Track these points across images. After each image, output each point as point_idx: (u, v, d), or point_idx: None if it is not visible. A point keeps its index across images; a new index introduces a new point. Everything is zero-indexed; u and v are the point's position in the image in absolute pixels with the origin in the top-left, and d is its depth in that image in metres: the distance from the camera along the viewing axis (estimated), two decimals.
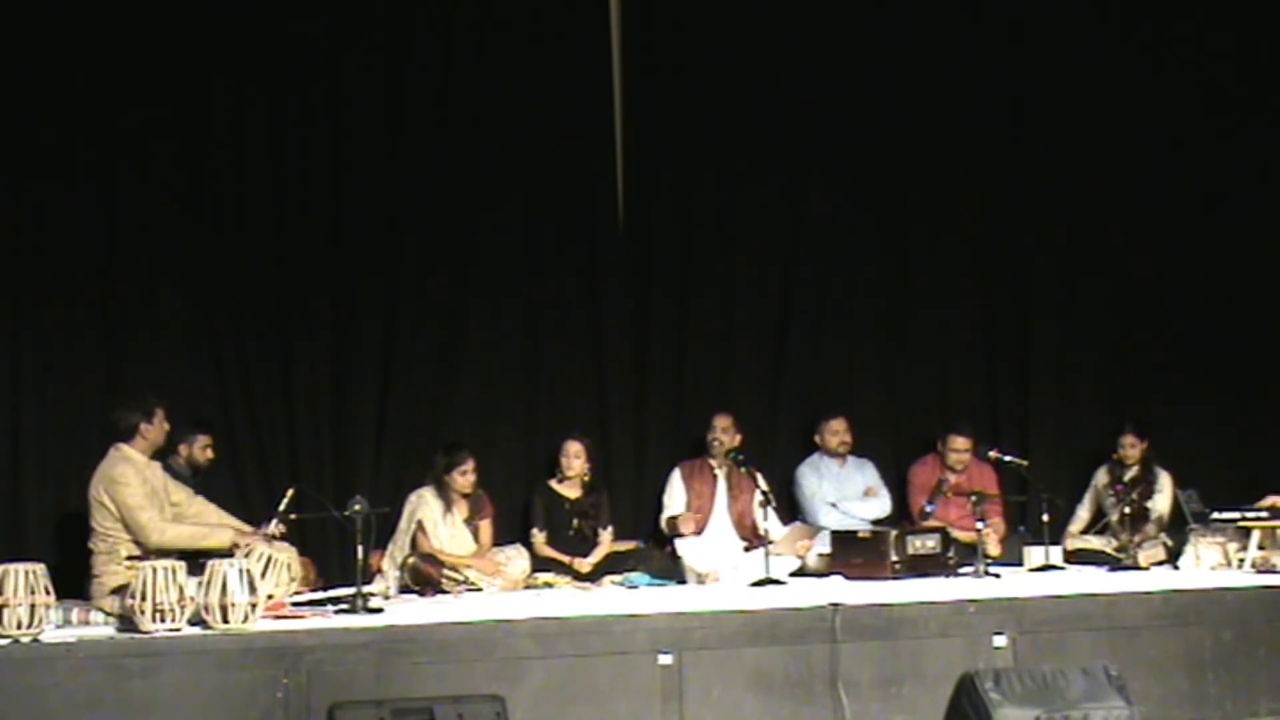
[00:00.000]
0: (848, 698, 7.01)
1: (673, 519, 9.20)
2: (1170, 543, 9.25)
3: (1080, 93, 10.36)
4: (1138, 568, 8.98)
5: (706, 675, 6.93)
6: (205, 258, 8.84)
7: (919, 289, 10.19)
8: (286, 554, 7.43)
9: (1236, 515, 8.70)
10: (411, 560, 8.40)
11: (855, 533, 8.92)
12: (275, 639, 6.55)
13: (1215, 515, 8.78)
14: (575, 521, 9.06)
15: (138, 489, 7.21)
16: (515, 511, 9.18)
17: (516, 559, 8.70)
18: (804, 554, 9.04)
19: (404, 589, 8.35)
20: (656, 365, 9.68)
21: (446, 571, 8.38)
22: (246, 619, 6.56)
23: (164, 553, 7.10)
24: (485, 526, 8.82)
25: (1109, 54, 10.42)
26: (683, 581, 8.84)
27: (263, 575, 6.99)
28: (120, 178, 8.67)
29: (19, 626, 6.30)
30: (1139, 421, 9.77)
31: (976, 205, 10.33)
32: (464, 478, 8.64)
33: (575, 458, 9.06)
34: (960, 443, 9.67)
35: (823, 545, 9.06)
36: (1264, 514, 8.63)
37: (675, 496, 9.30)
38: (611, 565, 8.88)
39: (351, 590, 7.23)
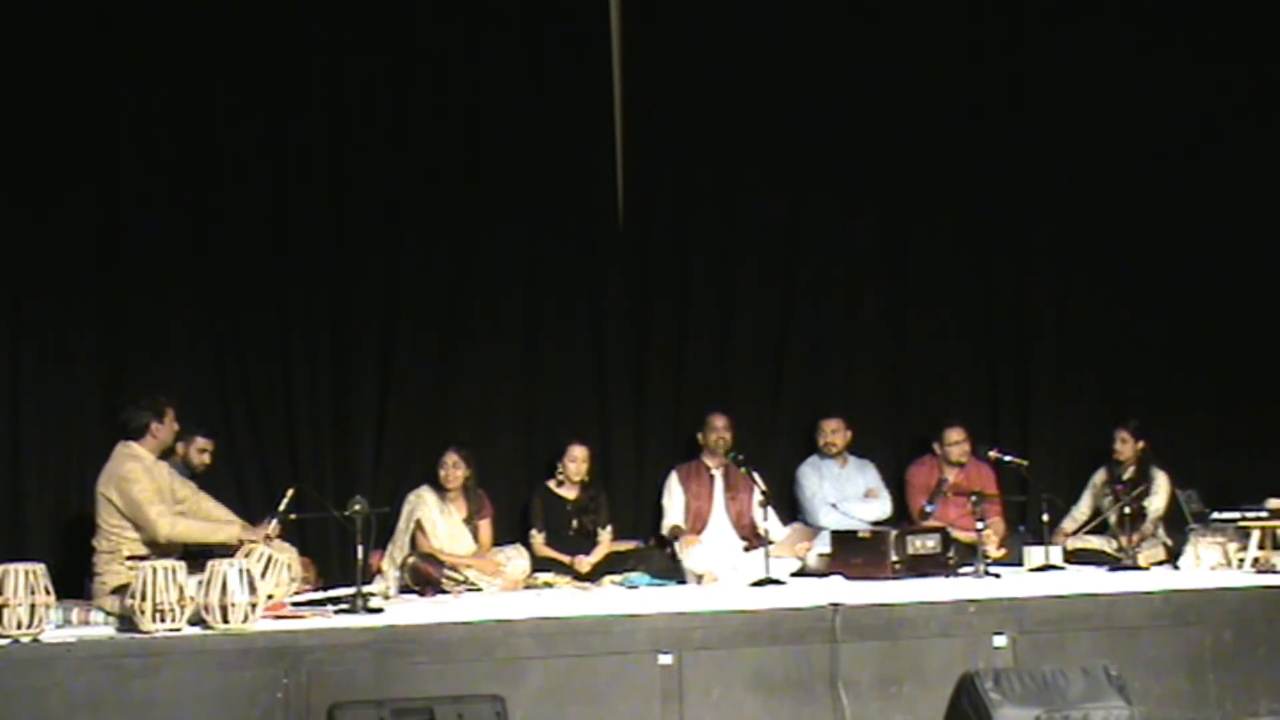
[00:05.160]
0: (848, 698, 7.01)
1: (675, 528, 9.20)
2: (1170, 542, 9.26)
3: (1081, 94, 10.36)
4: (1138, 568, 8.98)
5: (706, 675, 6.93)
6: (205, 258, 8.84)
7: (919, 289, 10.19)
8: (286, 554, 7.43)
9: (1236, 515, 8.70)
10: (411, 560, 8.41)
11: (855, 533, 8.92)
12: (275, 639, 6.56)
13: (1215, 515, 8.78)
14: (575, 522, 9.06)
15: (146, 484, 7.22)
16: (515, 511, 9.19)
17: (516, 559, 8.70)
18: (804, 555, 9.04)
19: (404, 589, 8.36)
20: (656, 365, 9.68)
21: (446, 571, 8.38)
22: (246, 619, 6.56)
23: (166, 551, 7.10)
24: (485, 526, 8.83)
25: (1109, 55, 10.41)
26: (683, 581, 8.84)
27: (263, 575, 6.99)
28: (121, 178, 8.67)
29: (19, 626, 6.30)
30: (1135, 421, 9.77)
31: (976, 205, 10.33)
32: (444, 472, 8.63)
33: (583, 462, 9.06)
34: (955, 434, 9.68)
35: (823, 545, 9.06)
36: (1264, 514, 8.63)
37: (674, 500, 9.30)
38: (611, 565, 8.88)
39: (351, 590, 7.23)
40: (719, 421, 9.27)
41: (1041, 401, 10.31)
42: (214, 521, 7.46)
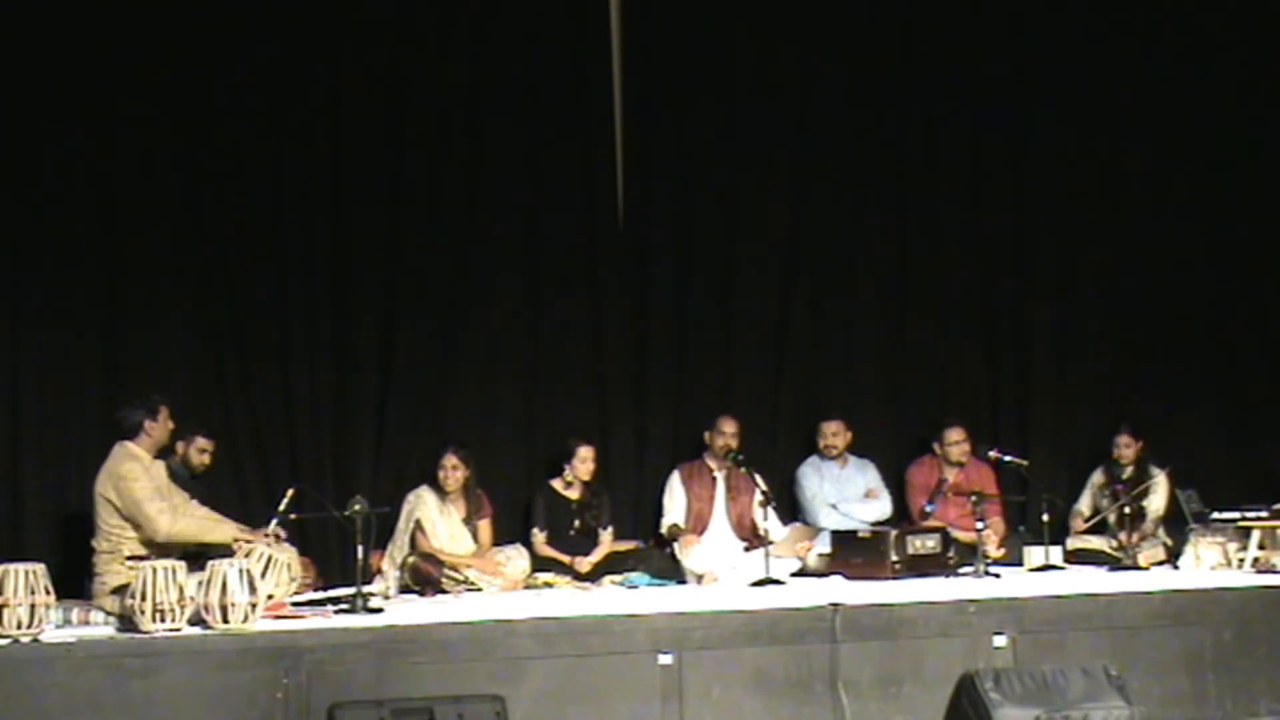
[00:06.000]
0: (848, 698, 7.01)
1: (674, 527, 9.20)
2: (1170, 542, 9.26)
3: (1081, 92, 10.37)
4: (1138, 568, 8.99)
5: (706, 675, 6.93)
6: (205, 258, 8.83)
7: (919, 288, 10.19)
8: (286, 554, 7.43)
9: (1236, 515, 8.70)
10: (411, 560, 8.41)
11: (855, 533, 8.93)
12: (275, 639, 6.56)
13: (1215, 515, 8.78)
14: (577, 521, 9.06)
15: (145, 482, 7.22)
16: (515, 511, 9.18)
17: (516, 559, 8.70)
18: (804, 555, 9.04)
19: (404, 589, 8.36)
20: (656, 365, 9.68)
21: (446, 571, 8.38)
22: (246, 619, 6.56)
23: (166, 551, 7.10)
24: (485, 526, 8.83)
25: (1110, 53, 10.42)
26: (683, 581, 8.84)
27: (263, 575, 6.99)
28: (120, 178, 8.66)
29: (19, 626, 6.30)
30: (1134, 421, 9.79)
31: (976, 204, 10.33)
32: (443, 473, 8.64)
33: (591, 462, 9.06)
34: (955, 434, 9.68)
35: (823, 545, 9.07)
36: (1264, 514, 8.63)
37: (675, 499, 9.30)
38: (611, 565, 8.88)
39: (351, 590, 7.23)
40: (728, 427, 9.25)
41: (1041, 401, 10.31)
42: (212, 520, 7.44)
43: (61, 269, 8.55)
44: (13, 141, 8.46)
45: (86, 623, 7.00)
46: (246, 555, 7.05)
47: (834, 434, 9.65)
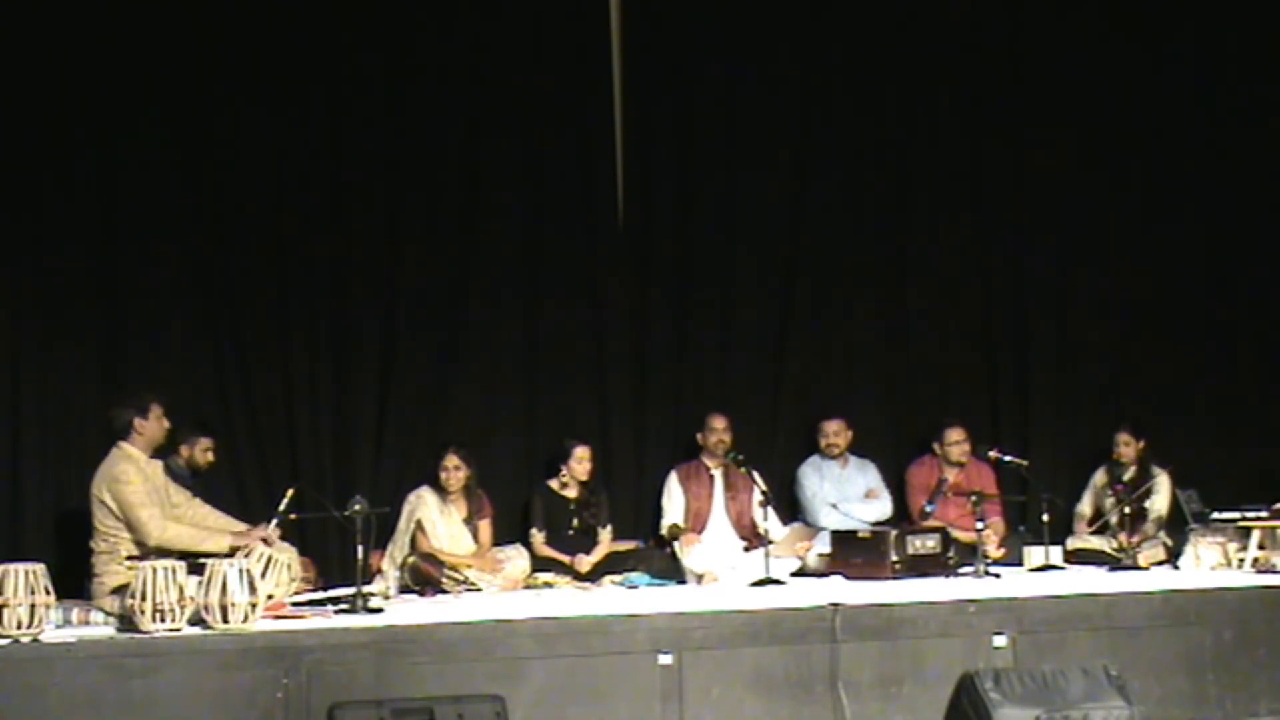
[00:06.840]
0: (848, 698, 7.01)
1: (674, 527, 9.20)
2: (1170, 542, 9.26)
3: (1080, 93, 10.37)
4: (1138, 568, 8.98)
5: (706, 675, 6.93)
6: (205, 258, 8.84)
7: (918, 289, 10.19)
8: (286, 554, 7.42)
9: (1236, 515, 8.70)
10: (411, 560, 8.41)
11: (855, 533, 8.93)
12: (275, 639, 6.56)
13: (1215, 515, 8.78)
14: (576, 520, 9.06)
15: (139, 486, 7.19)
16: (515, 511, 9.18)
17: (516, 559, 8.70)
18: (804, 554, 9.04)
19: (404, 589, 8.36)
20: (656, 365, 9.68)
21: (446, 571, 8.38)
22: (246, 619, 6.56)
23: (164, 552, 7.09)
24: (485, 526, 8.83)
25: (1109, 54, 10.42)
26: (683, 581, 8.84)
27: (263, 575, 6.98)
28: (121, 178, 8.67)
29: (19, 626, 6.30)
30: (1135, 421, 9.79)
31: (976, 205, 10.33)
32: (444, 474, 8.64)
33: (588, 462, 9.06)
34: (956, 434, 9.68)
35: (823, 545, 9.07)
36: (1264, 514, 8.63)
37: (674, 500, 9.30)
38: (611, 565, 8.88)
39: (351, 590, 7.23)
40: (718, 423, 9.28)
41: (1041, 401, 10.31)
42: (206, 529, 7.40)
43: (61, 269, 8.55)
44: (13, 142, 8.46)
45: (86, 623, 6.99)
46: (246, 555, 7.05)
47: (835, 434, 9.65)
